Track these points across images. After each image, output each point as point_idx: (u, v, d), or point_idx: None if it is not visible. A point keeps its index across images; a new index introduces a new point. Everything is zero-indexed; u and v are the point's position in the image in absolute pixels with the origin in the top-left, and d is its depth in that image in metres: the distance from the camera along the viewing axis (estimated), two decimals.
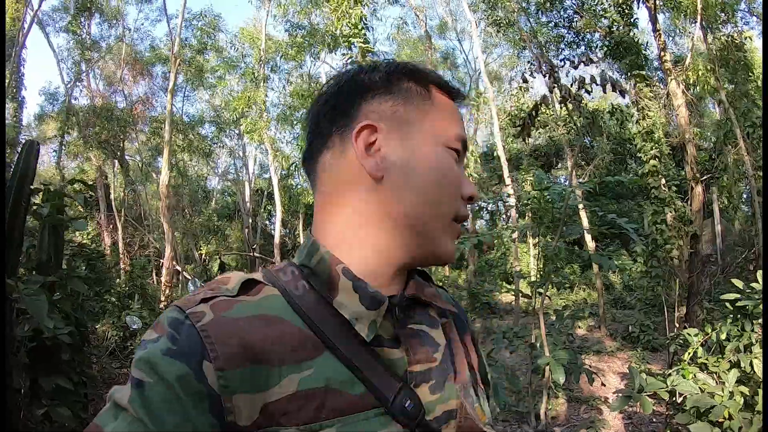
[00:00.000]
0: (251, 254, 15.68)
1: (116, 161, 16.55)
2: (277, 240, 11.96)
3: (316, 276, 0.51)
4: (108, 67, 17.12)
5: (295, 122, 14.35)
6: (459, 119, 0.58)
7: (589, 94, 5.99)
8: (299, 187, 16.45)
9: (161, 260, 12.26)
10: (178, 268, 15.11)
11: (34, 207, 3.07)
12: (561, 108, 9.30)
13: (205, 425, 0.42)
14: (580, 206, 8.08)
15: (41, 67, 38.59)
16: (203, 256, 19.93)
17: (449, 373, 0.54)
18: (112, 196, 16.36)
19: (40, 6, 13.04)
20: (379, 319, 0.50)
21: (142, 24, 23.02)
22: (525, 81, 7.65)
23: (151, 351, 0.44)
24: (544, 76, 7.98)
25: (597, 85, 5.15)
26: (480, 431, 0.53)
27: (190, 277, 11.97)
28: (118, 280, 9.63)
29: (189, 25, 15.55)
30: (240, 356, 0.43)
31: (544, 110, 7.87)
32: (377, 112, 0.54)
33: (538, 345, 3.26)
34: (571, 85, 5.74)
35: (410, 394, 0.49)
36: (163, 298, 10.08)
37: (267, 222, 20.58)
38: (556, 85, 6.63)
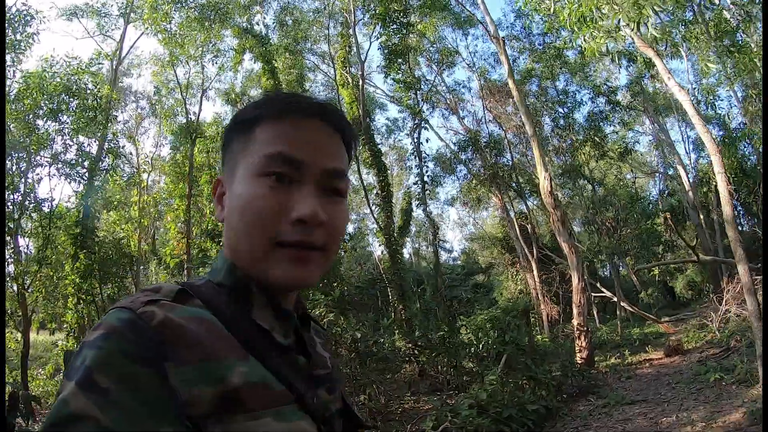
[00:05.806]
0: (711, 258, 12.71)
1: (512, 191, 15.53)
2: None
3: (235, 293, 0.60)
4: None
5: None
6: (283, 137, 0.60)
7: None
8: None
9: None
10: (621, 303, 11.79)
11: None
12: None
13: (172, 422, 0.45)
14: None
15: None
16: (656, 277, 16.03)
17: (337, 381, 0.69)
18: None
19: None
20: (290, 330, 0.63)
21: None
22: None
23: (108, 353, 0.46)
24: None
25: None
26: (363, 422, 0.70)
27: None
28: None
29: None
30: (193, 353, 0.49)
31: None
32: (225, 165, 0.65)
33: None
34: None
35: (315, 393, 0.61)
36: (578, 346, 8.13)
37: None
38: None
